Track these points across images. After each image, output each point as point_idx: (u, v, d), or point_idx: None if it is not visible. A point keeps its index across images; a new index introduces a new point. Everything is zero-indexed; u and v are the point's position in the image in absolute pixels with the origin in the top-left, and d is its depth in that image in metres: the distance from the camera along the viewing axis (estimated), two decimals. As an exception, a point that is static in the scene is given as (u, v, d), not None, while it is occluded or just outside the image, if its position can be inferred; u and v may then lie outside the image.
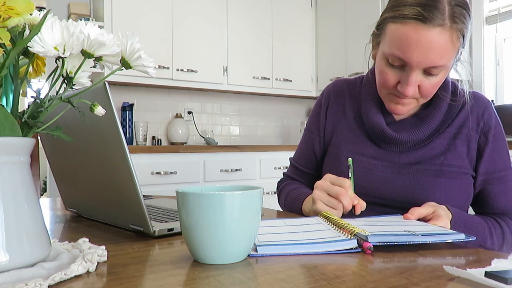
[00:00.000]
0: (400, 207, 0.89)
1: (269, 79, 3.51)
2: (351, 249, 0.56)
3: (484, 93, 2.95)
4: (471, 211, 0.97)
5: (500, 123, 0.94)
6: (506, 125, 2.51)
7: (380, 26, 0.86)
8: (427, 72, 0.82)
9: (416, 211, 0.75)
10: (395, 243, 0.56)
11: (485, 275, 0.42)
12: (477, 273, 0.42)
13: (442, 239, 0.58)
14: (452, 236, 0.59)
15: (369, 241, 0.56)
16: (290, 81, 3.62)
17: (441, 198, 0.86)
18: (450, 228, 0.76)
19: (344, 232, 0.61)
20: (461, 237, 0.58)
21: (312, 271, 0.48)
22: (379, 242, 0.56)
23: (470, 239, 0.59)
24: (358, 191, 0.86)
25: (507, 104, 2.77)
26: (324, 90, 1.10)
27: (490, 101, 0.94)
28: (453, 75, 0.93)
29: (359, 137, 0.98)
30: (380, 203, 0.93)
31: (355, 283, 0.43)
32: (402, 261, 0.52)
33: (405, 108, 0.89)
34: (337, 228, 0.64)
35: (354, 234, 0.58)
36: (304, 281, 0.45)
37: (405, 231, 0.61)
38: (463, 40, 0.81)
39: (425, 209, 0.76)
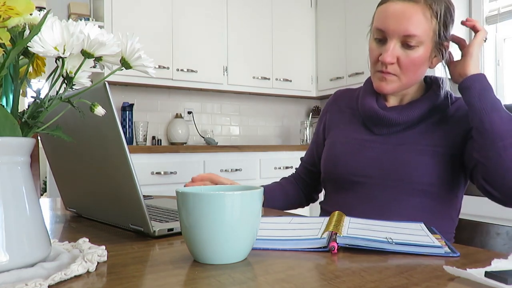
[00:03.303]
0: (384, 184, 0.96)
1: (269, 79, 3.51)
2: (320, 248, 0.57)
3: (484, 93, 2.94)
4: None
5: None
6: (506, 125, 2.50)
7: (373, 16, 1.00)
8: (404, 43, 0.92)
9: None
10: (364, 247, 0.55)
11: (485, 275, 0.42)
12: (477, 273, 0.42)
13: (418, 250, 0.55)
14: (432, 249, 0.55)
15: (337, 241, 0.56)
16: (290, 81, 3.62)
17: (424, 174, 0.93)
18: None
19: (322, 232, 0.62)
20: (440, 251, 0.55)
21: (312, 271, 0.48)
22: (346, 244, 0.56)
23: (452, 255, 0.54)
24: (348, 172, 0.99)
25: (507, 104, 2.76)
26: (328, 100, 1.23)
27: None
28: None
29: (354, 124, 1.08)
30: (368, 183, 0.98)
31: (355, 283, 0.43)
32: (402, 261, 0.52)
33: (388, 86, 0.96)
34: (325, 227, 0.64)
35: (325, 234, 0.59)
36: (304, 281, 0.45)
37: (386, 238, 0.59)
38: (439, 19, 0.92)
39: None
